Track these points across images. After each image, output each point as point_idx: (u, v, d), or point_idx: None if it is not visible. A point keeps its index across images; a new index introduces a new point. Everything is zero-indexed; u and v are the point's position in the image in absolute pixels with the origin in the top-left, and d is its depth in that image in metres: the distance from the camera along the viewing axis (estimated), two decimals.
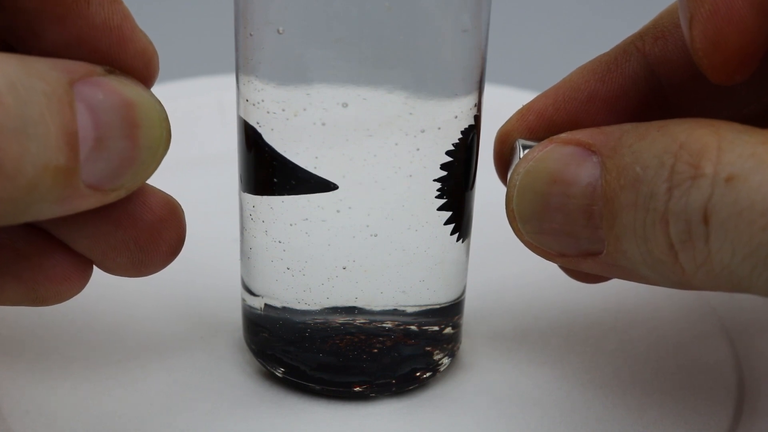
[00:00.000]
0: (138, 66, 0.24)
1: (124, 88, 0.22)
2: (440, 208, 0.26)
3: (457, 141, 0.26)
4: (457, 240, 0.27)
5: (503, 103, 0.30)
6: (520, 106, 0.28)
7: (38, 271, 0.25)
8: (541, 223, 0.25)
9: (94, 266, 0.26)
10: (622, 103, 0.27)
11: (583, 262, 0.25)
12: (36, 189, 0.20)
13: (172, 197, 0.25)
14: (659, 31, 0.27)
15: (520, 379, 0.30)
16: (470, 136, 0.26)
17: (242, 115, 0.26)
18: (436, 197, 0.26)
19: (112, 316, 0.32)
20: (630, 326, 0.32)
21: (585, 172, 0.24)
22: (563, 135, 0.25)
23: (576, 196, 0.24)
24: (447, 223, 0.27)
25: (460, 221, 0.27)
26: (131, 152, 0.22)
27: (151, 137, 0.23)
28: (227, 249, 0.34)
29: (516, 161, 0.26)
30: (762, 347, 0.32)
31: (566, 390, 0.29)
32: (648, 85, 0.27)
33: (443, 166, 0.26)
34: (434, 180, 0.26)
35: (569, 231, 0.25)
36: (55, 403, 0.28)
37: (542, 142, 0.25)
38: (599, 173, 0.24)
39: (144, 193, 0.25)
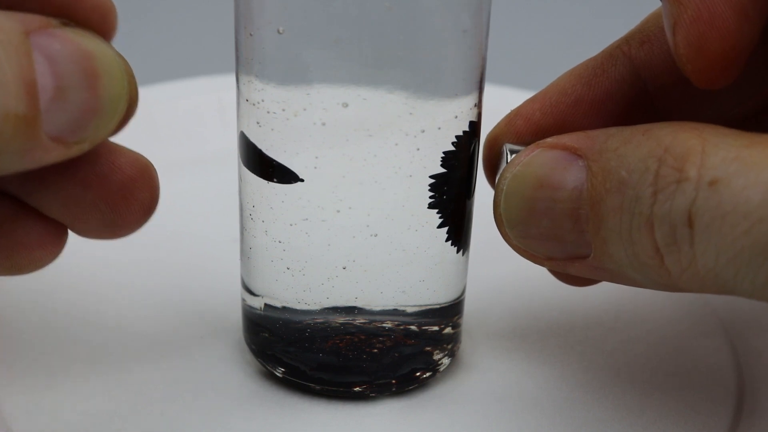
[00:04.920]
0: (95, 20, 0.23)
1: (82, 39, 0.22)
2: (431, 206, 0.26)
3: (452, 150, 0.26)
4: (457, 252, 0.27)
5: (503, 103, 0.30)
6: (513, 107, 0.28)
7: (11, 239, 0.25)
8: (528, 228, 0.25)
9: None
10: (609, 107, 0.27)
11: (571, 265, 0.25)
12: None
13: (143, 156, 0.25)
14: (645, 35, 0.27)
15: (520, 379, 0.30)
16: (470, 146, 0.26)
17: (239, 118, 0.26)
18: (430, 206, 0.26)
19: (112, 316, 0.32)
20: (629, 326, 0.32)
21: (571, 176, 0.24)
22: (549, 139, 0.25)
23: (562, 200, 0.24)
24: (447, 239, 0.27)
25: (459, 235, 0.27)
26: (93, 103, 0.22)
27: (112, 88, 0.22)
28: (227, 249, 0.34)
29: (503, 166, 0.26)
30: (762, 347, 0.32)
31: (566, 390, 0.29)
32: (634, 89, 0.27)
33: (437, 179, 0.26)
34: (429, 189, 0.26)
35: (556, 235, 0.25)
36: (55, 403, 0.28)
37: (529, 146, 0.25)
38: (585, 177, 0.24)
39: (112, 153, 0.24)
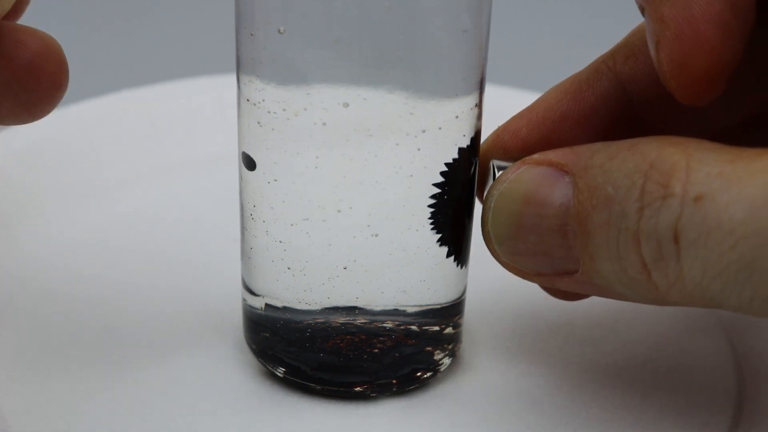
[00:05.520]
0: None
1: None
2: (432, 224, 0.26)
3: (448, 170, 0.26)
4: (457, 266, 0.28)
5: (503, 104, 0.30)
6: (520, 107, 0.28)
7: None
8: (516, 244, 0.25)
9: None
10: (595, 122, 0.27)
11: (560, 280, 0.25)
12: None
13: (46, 33, 0.25)
14: (630, 50, 0.27)
15: (521, 379, 0.30)
16: (470, 165, 0.26)
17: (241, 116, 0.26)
18: (432, 228, 0.26)
19: (111, 316, 0.32)
20: (630, 326, 0.32)
21: (558, 192, 0.24)
22: (536, 156, 0.25)
23: (549, 216, 0.25)
24: (448, 255, 0.27)
25: (459, 253, 0.27)
26: None
27: None
28: (227, 249, 0.34)
29: (491, 182, 0.26)
30: (762, 347, 0.31)
31: (566, 390, 0.29)
32: (620, 103, 0.27)
33: (436, 198, 0.26)
34: (429, 205, 0.26)
35: (544, 251, 0.25)
36: (55, 403, 0.28)
37: (516, 163, 0.26)
38: (572, 193, 0.24)
39: (16, 31, 0.24)
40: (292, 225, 0.26)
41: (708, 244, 0.21)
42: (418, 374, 0.28)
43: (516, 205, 0.25)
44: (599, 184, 0.23)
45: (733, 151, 0.22)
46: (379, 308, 0.27)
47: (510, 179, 0.25)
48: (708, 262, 0.21)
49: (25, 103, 0.25)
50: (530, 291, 0.33)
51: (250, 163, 0.26)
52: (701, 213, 0.21)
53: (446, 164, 0.26)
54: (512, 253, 0.26)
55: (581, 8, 0.63)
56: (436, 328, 0.28)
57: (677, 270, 0.22)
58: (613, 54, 0.28)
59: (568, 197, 0.24)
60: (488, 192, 0.26)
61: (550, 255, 0.25)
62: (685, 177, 0.22)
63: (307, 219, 0.26)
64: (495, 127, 0.28)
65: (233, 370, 0.30)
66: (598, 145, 0.24)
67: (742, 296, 0.21)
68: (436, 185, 0.26)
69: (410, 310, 0.27)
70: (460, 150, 0.26)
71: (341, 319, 0.27)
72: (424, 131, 0.25)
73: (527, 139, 0.27)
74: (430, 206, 0.26)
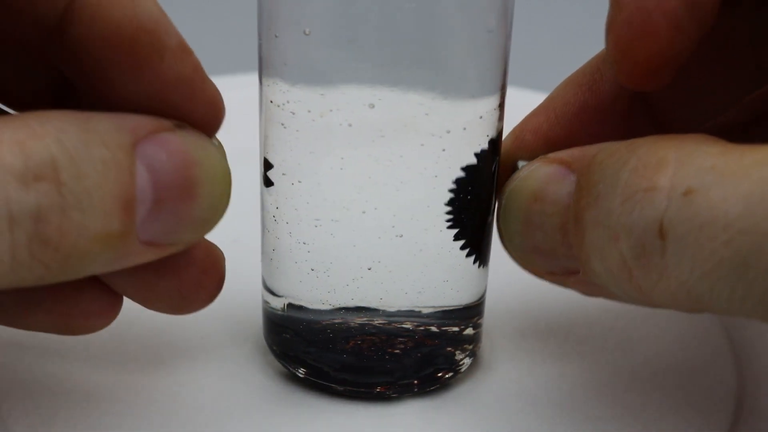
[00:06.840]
0: (206, 116, 0.23)
1: (191, 145, 0.22)
2: (453, 234, 0.26)
3: (463, 177, 0.26)
4: (478, 267, 0.28)
5: (505, 103, 0.30)
6: (521, 107, 0.28)
7: (73, 306, 0.25)
8: (524, 241, 0.26)
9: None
10: (614, 110, 0.27)
11: (567, 280, 0.25)
12: (87, 255, 0.20)
13: (214, 245, 0.25)
14: None
15: (541, 379, 0.30)
16: (492, 164, 0.27)
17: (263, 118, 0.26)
18: (449, 227, 0.26)
19: (129, 317, 0.31)
20: (633, 326, 0.32)
21: (563, 190, 0.24)
22: (551, 154, 0.25)
23: (552, 214, 0.25)
24: (468, 255, 0.27)
25: (479, 252, 0.27)
26: (191, 211, 0.22)
27: (212, 195, 0.22)
28: (228, 249, 0.33)
29: None
30: (762, 347, 0.32)
31: (587, 390, 0.29)
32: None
33: (452, 204, 0.26)
34: (445, 205, 0.26)
35: (549, 249, 0.25)
36: (56, 406, 0.28)
37: (531, 161, 0.26)
38: (574, 191, 0.24)
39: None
40: (316, 226, 0.26)
41: (699, 240, 0.20)
42: (439, 374, 0.28)
43: (525, 202, 0.25)
44: (595, 182, 0.23)
45: (725, 144, 0.21)
46: (402, 309, 0.27)
47: (521, 176, 0.25)
48: (697, 258, 0.21)
49: (176, 308, 0.25)
50: (549, 291, 0.33)
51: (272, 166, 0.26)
52: (691, 208, 0.21)
53: (468, 165, 0.26)
54: (522, 251, 0.26)
55: (583, 8, 0.63)
56: (457, 328, 0.28)
57: (661, 267, 0.21)
58: None
59: (570, 195, 0.24)
60: (502, 189, 0.26)
61: (555, 254, 0.25)
62: (672, 171, 0.21)
63: (332, 220, 0.26)
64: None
65: (253, 371, 0.29)
66: (605, 144, 0.24)
67: (733, 296, 0.20)
68: (458, 185, 0.26)
69: (433, 310, 0.27)
70: (483, 150, 0.26)
71: (364, 320, 0.27)
72: (448, 132, 0.25)
73: (548, 135, 0.27)
74: (452, 206, 0.26)
